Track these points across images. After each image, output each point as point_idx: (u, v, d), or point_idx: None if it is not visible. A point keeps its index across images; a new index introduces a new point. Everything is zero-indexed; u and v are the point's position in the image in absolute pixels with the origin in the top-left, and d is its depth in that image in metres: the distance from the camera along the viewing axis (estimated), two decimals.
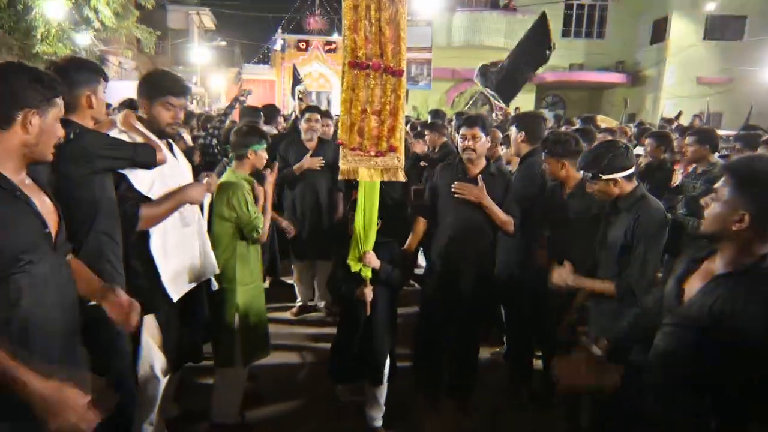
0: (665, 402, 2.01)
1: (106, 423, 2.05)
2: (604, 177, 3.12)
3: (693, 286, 2.04)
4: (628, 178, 3.14)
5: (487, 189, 3.80)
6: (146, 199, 3.00)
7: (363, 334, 3.74)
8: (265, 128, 5.97)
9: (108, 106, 3.31)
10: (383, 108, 3.48)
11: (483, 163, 3.94)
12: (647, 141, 6.14)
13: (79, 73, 2.81)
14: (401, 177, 3.58)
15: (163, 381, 3.33)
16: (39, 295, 2.02)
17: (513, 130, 4.48)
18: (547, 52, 8.35)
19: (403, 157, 3.58)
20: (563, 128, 8.32)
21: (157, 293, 3.12)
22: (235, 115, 6.89)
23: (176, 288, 3.21)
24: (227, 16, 32.97)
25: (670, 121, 13.95)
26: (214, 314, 3.74)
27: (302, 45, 28.44)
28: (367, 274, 3.64)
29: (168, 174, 3.16)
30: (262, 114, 6.77)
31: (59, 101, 2.16)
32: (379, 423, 3.95)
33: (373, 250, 3.61)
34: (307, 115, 5.64)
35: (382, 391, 3.89)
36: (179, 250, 3.24)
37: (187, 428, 3.87)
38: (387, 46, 3.42)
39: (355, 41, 3.41)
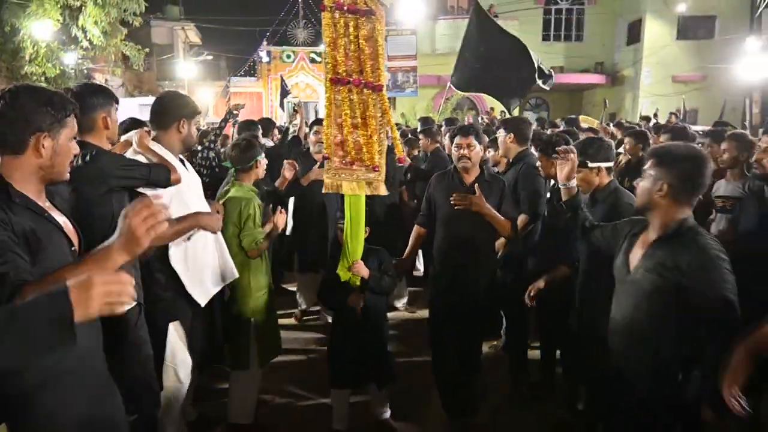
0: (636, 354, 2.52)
1: (130, 426, 2.33)
2: (591, 164, 3.44)
3: (636, 255, 2.57)
4: (608, 170, 3.50)
5: (483, 194, 3.84)
6: None
7: (357, 340, 3.78)
8: (263, 140, 6.34)
9: None
10: (367, 123, 3.50)
11: (477, 170, 3.99)
12: (626, 139, 6.57)
13: (94, 97, 2.98)
14: (383, 191, 3.61)
15: (186, 385, 3.54)
16: None
17: (501, 133, 4.77)
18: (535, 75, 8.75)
19: (384, 171, 3.60)
20: (548, 130, 8.79)
21: (180, 301, 3.34)
22: (227, 129, 7.02)
23: (202, 293, 3.42)
24: (212, 29, 32.94)
25: (647, 119, 14.47)
26: (229, 321, 3.94)
27: (288, 56, 28.56)
28: (356, 282, 3.70)
29: (185, 191, 3.35)
30: (259, 127, 7.05)
31: (71, 120, 2.16)
32: (387, 415, 4.10)
33: (362, 258, 3.68)
34: (315, 127, 5.68)
35: (386, 390, 4.03)
36: (200, 258, 3.41)
37: (205, 430, 4.07)
38: (366, 62, 3.45)
39: (336, 58, 3.45)
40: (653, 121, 14.34)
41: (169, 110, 3.39)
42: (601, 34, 25.02)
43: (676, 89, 21.28)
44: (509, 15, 23.58)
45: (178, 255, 3.30)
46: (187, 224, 3.20)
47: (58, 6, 14.15)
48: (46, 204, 2.13)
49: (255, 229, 3.92)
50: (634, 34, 23.99)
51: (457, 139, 3.98)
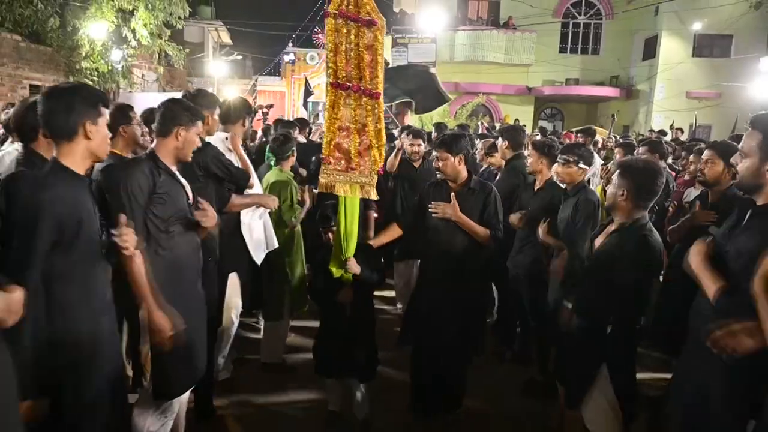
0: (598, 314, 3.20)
1: (198, 356, 3.17)
2: (581, 165, 4.11)
3: (599, 242, 3.35)
4: (584, 172, 4.28)
5: (465, 203, 3.91)
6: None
7: (347, 333, 3.82)
8: (299, 137, 7.30)
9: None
10: (363, 128, 3.57)
11: (463, 177, 4.02)
12: (617, 149, 7.32)
13: (203, 102, 3.76)
14: (374, 195, 3.69)
15: (236, 323, 4.39)
16: (185, 242, 3.11)
17: (500, 140, 5.59)
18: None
19: (375, 175, 3.68)
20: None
21: (242, 258, 4.25)
22: (255, 125, 7.94)
23: (257, 254, 4.39)
24: (240, 23, 33.70)
25: (662, 133, 15.12)
26: (265, 281, 4.71)
27: (312, 58, 29.14)
28: (349, 278, 3.74)
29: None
30: (296, 125, 8.12)
31: (199, 123, 3.17)
32: (366, 413, 4.08)
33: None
34: (410, 138, 6.09)
35: (368, 388, 4.04)
36: (255, 229, 4.38)
37: (243, 365, 4.91)
38: (365, 70, 3.51)
39: (337, 63, 3.52)
40: (669, 134, 14.92)
41: (239, 111, 4.32)
42: (617, 48, 25.40)
43: (689, 105, 21.56)
44: (527, 27, 24.38)
45: (245, 224, 4.29)
46: (252, 201, 4.19)
47: (114, 10, 15.52)
48: (175, 170, 3.14)
49: (293, 205, 4.83)
50: (650, 49, 24.34)
51: (433, 152, 4.23)
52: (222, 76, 30.56)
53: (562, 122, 27.07)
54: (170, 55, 18.66)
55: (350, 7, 3.47)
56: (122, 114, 3.84)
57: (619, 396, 3.10)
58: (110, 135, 2.68)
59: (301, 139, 7.97)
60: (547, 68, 25.02)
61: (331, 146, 3.60)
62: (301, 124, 8.76)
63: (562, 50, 25.98)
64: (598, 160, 7.98)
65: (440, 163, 3.98)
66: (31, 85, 14.72)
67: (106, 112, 2.60)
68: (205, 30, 32.18)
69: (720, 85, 22.48)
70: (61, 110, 2.42)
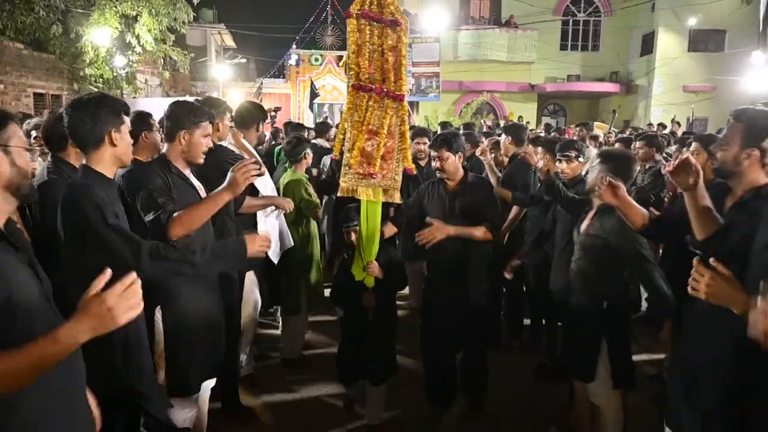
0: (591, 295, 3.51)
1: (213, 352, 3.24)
2: (581, 159, 4.29)
3: (583, 225, 3.64)
4: (582, 165, 4.36)
5: (464, 199, 3.95)
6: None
7: (368, 338, 3.84)
8: (318, 141, 7.51)
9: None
10: (386, 131, 3.52)
11: (460, 175, 4.01)
12: (616, 145, 7.61)
13: (215, 108, 3.89)
14: (397, 198, 3.69)
15: (257, 317, 4.59)
16: (198, 243, 2.94)
17: (503, 137, 5.90)
18: None
19: (400, 178, 3.66)
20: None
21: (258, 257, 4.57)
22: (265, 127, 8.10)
23: (274, 254, 4.60)
24: (242, 26, 33.61)
25: (662, 126, 15.41)
26: (284, 277, 4.94)
27: (316, 59, 29.07)
28: (371, 282, 3.73)
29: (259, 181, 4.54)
30: (306, 129, 8.36)
31: (205, 124, 3.14)
32: (378, 419, 4.07)
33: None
34: (416, 140, 6.00)
35: (383, 390, 4.01)
36: (271, 230, 4.51)
37: (264, 361, 5.13)
38: (389, 72, 3.46)
39: (359, 64, 3.46)
40: (669, 127, 15.26)
41: (255, 115, 4.61)
42: (616, 44, 25.83)
43: (686, 99, 21.95)
44: (528, 26, 24.67)
45: (261, 226, 4.48)
46: (264, 201, 4.33)
47: (117, 16, 15.49)
48: (188, 173, 3.20)
49: (311, 199, 5.03)
50: (648, 45, 24.79)
51: (432, 153, 4.13)
52: (226, 79, 30.44)
53: (565, 118, 27.38)
54: (175, 60, 18.67)
55: (373, 7, 3.41)
56: (143, 121, 3.86)
57: (617, 368, 3.40)
58: (132, 142, 2.78)
59: (324, 143, 8.01)
60: (549, 65, 25.35)
61: (354, 150, 3.53)
62: (323, 128, 8.81)
63: (563, 47, 26.36)
64: (594, 153, 8.32)
65: (440, 163, 3.93)
66: (35, 93, 14.60)
67: (128, 120, 2.72)
68: (207, 33, 31.98)
69: (715, 79, 22.95)
70: (86, 120, 2.54)
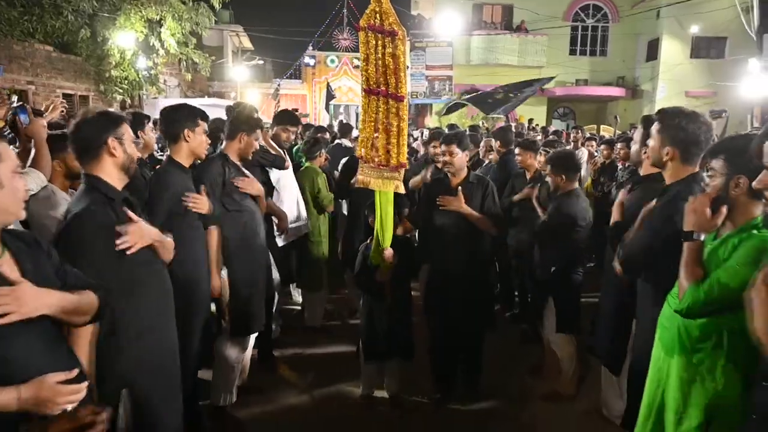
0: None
1: (262, 305, 4.11)
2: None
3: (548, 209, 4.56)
4: None
5: (468, 195, 4.21)
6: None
7: (388, 318, 4.19)
8: (343, 141, 8.21)
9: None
10: (393, 128, 3.84)
11: (464, 173, 4.31)
12: (601, 147, 8.29)
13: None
14: (401, 189, 3.98)
15: (277, 295, 5.08)
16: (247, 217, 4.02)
17: (493, 141, 6.68)
18: None
19: (403, 170, 3.96)
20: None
21: (273, 239, 4.99)
22: None
23: (282, 239, 5.22)
24: (259, 29, 33.89)
25: None
26: (307, 258, 5.70)
27: (332, 61, 29.18)
28: (387, 267, 4.05)
29: (283, 173, 5.23)
30: (327, 131, 9.10)
31: (203, 123, 3.54)
32: (398, 390, 4.48)
33: (391, 245, 4.04)
34: (433, 143, 6.19)
35: (404, 364, 4.40)
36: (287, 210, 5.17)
37: (287, 329, 5.80)
38: (391, 76, 3.79)
39: (368, 71, 3.79)
40: None
41: (275, 119, 5.51)
42: (623, 50, 26.35)
43: (688, 104, 21.53)
44: (539, 31, 25.32)
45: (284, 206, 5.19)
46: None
47: (142, 20, 16.18)
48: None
49: (327, 193, 5.73)
50: (653, 51, 25.39)
51: (441, 148, 4.43)
52: (243, 80, 30.66)
53: (574, 120, 27.72)
54: (196, 62, 19.25)
55: (377, 20, 3.78)
56: (138, 121, 4.48)
57: (561, 315, 4.33)
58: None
59: (347, 143, 8.40)
60: (558, 70, 25.82)
61: (368, 146, 3.89)
62: (347, 128, 9.29)
63: (572, 52, 26.94)
64: (585, 154, 9.06)
65: (448, 158, 4.23)
66: (63, 94, 15.14)
67: (204, 124, 3.53)
68: (224, 34, 32.05)
69: (715, 85, 23.44)
70: (169, 122, 3.49)
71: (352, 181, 5.43)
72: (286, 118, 5.62)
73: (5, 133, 3.28)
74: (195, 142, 3.52)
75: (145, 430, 2.61)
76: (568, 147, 8.21)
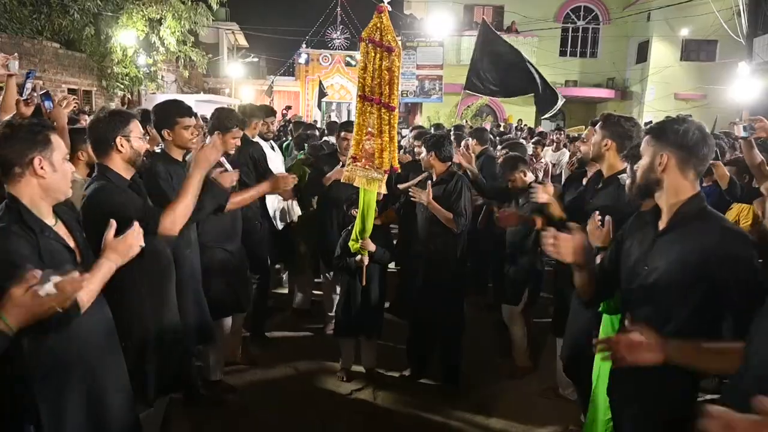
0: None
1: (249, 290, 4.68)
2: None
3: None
4: None
5: (440, 191, 4.62)
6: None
7: (361, 299, 4.63)
8: (330, 139, 8.31)
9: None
10: (381, 134, 4.07)
11: (443, 169, 4.74)
12: (577, 143, 8.69)
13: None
14: (383, 189, 4.22)
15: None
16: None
17: (470, 140, 6.87)
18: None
19: (386, 174, 4.18)
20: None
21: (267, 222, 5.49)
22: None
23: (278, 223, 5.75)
24: (254, 29, 34.06)
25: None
26: (292, 242, 5.97)
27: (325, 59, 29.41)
28: (365, 254, 4.45)
29: (274, 162, 5.52)
30: (315, 128, 9.51)
31: (183, 120, 3.64)
32: (372, 364, 4.93)
33: (370, 236, 4.40)
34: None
35: (375, 342, 4.88)
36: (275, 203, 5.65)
37: (278, 311, 6.24)
38: (385, 87, 4.01)
39: (365, 79, 4.04)
40: None
41: (260, 111, 5.72)
42: (613, 52, 26.60)
43: (677, 106, 22.57)
44: (529, 32, 25.52)
45: (270, 201, 5.61)
46: (256, 190, 4.44)
47: (144, 19, 16.75)
48: (223, 160, 4.32)
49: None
50: (643, 53, 25.71)
51: (423, 152, 4.97)
52: (238, 77, 31.13)
53: (564, 121, 28.07)
54: (194, 59, 19.85)
55: (377, 35, 4.00)
56: (146, 118, 4.45)
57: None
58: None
59: (334, 140, 8.40)
60: (548, 71, 25.94)
61: (359, 147, 4.14)
62: (334, 126, 9.09)
63: (563, 53, 27.23)
64: (566, 155, 9.42)
65: (423, 156, 4.87)
66: (68, 89, 15.76)
67: (183, 121, 3.61)
68: (220, 32, 32.24)
69: (705, 88, 23.72)
70: (157, 120, 3.71)
71: (325, 178, 5.37)
72: (264, 110, 5.93)
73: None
74: (178, 138, 3.67)
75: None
76: (548, 147, 8.55)
